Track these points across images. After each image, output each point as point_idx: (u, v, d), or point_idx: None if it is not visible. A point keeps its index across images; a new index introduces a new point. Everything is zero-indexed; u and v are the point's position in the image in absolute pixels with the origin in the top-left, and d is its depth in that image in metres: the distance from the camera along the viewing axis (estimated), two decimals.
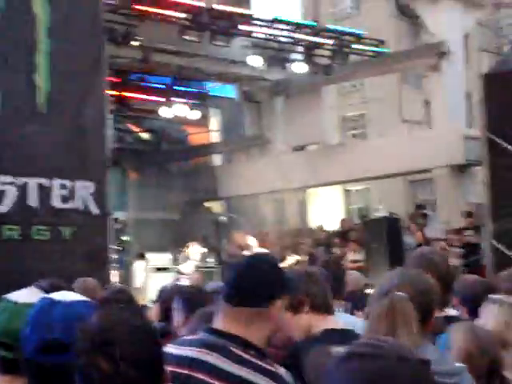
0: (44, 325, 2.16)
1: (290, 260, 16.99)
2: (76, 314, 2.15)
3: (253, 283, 2.73)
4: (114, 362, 1.85)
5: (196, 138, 25.78)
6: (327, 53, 19.29)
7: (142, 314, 2.04)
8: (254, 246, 16.09)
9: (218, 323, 2.73)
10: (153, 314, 5.48)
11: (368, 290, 6.22)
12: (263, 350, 2.70)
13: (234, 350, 2.64)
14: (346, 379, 1.47)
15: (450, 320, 3.59)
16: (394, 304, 2.58)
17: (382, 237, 15.49)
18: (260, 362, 2.64)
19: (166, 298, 5.22)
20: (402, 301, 2.59)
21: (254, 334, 2.69)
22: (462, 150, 18.45)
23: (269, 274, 2.77)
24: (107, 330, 1.88)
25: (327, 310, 3.53)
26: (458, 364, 2.63)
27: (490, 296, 3.60)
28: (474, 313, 4.23)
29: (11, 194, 9.68)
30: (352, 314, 5.13)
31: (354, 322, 4.04)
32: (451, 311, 4.09)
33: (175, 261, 16.29)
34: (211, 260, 16.87)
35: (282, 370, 2.71)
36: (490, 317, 3.42)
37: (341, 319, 3.70)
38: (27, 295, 2.52)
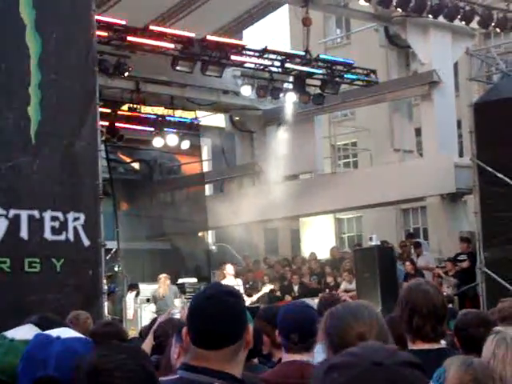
0: (39, 361, 2.14)
1: (265, 289, 16.88)
2: (72, 351, 2.12)
3: (222, 324, 2.53)
4: None
5: (188, 167, 25.79)
6: (318, 82, 19.38)
7: (140, 355, 2.01)
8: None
9: (196, 361, 2.55)
10: (145, 346, 5.44)
11: None
12: (244, 382, 2.61)
13: None
14: None
15: (443, 352, 3.58)
16: None
17: (374, 266, 15.41)
18: None
19: (160, 333, 5.20)
20: None
21: (235, 367, 2.57)
22: (453, 179, 18.48)
23: (234, 307, 2.58)
24: (104, 374, 1.86)
25: None
26: None
27: (494, 329, 3.59)
28: (467, 344, 4.22)
29: (2, 226, 9.63)
30: None
31: None
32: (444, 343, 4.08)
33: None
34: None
35: None
36: (488, 350, 3.42)
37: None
38: (24, 332, 2.49)
